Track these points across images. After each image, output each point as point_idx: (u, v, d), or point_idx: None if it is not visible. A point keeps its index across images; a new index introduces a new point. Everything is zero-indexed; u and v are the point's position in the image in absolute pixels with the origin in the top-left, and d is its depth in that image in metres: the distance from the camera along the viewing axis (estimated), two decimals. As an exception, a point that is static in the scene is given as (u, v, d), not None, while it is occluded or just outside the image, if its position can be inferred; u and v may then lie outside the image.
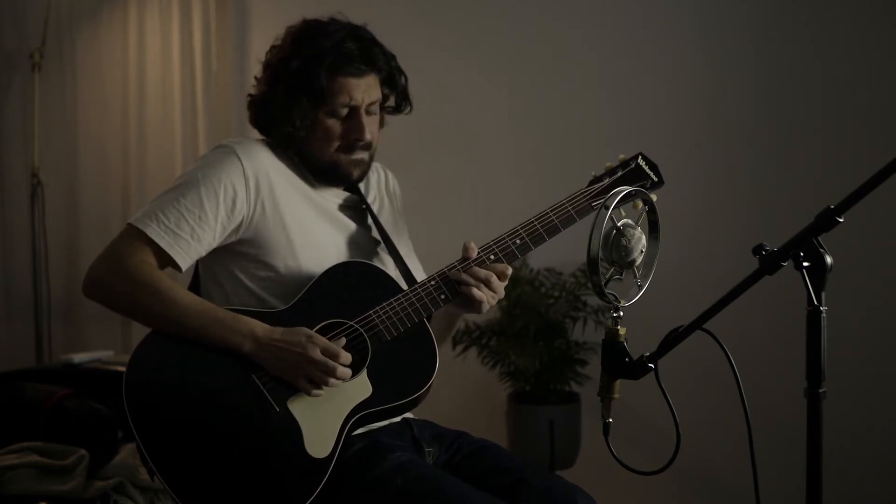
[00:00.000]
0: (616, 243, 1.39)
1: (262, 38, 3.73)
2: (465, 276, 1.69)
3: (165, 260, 1.66)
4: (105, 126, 3.97)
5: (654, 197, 1.78)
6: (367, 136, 1.76)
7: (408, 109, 1.86)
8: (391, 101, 1.84)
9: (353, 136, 1.75)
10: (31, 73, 3.84)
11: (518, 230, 1.74)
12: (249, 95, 1.84)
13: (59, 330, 3.99)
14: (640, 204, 1.76)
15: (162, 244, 1.63)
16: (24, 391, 2.76)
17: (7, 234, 4.12)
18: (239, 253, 1.72)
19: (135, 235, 1.65)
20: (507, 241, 1.74)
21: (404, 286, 1.74)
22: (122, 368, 1.62)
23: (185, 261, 1.66)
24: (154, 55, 3.87)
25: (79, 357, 3.12)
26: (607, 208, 1.35)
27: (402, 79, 1.82)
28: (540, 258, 3.21)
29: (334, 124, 1.75)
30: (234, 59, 3.80)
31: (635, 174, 1.80)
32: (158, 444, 1.58)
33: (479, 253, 1.73)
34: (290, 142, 1.77)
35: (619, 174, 1.80)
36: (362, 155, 1.78)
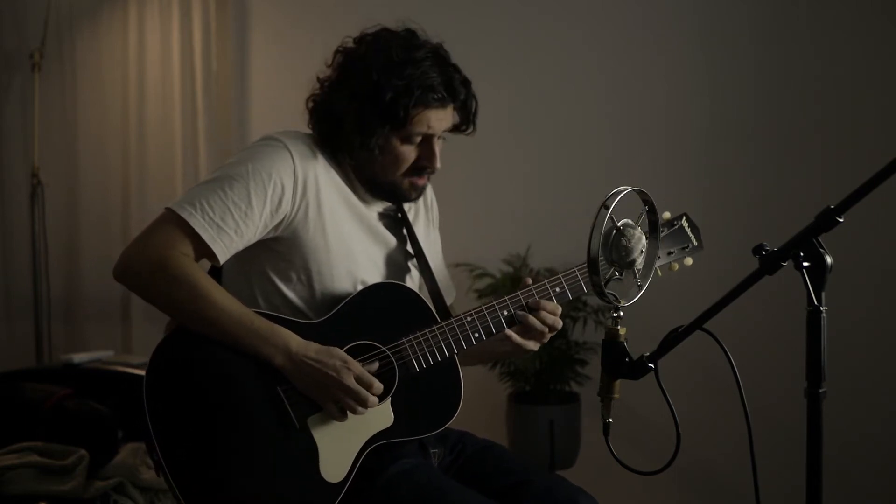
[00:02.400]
0: (616, 243, 1.38)
1: (262, 38, 3.73)
2: (530, 318, 1.67)
3: (204, 252, 1.59)
4: (105, 126, 3.96)
5: (685, 224, 1.82)
6: (438, 165, 1.73)
7: (470, 131, 1.79)
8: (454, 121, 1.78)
9: (424, 163, 1.72)
10: (31, 73, 3.83)
11: (559, 279, 1.71)
12: (312, 100, 1.74)
13: (59, 330, 3.99)
14: (676, 267, 1.80)
15: (205, 237, 1.56)
16: (24, 391, 2.76)
17: (7, 234, 4.12)
18: (273, 251, 1.67)
19: (175, 223, 1.57)
20: (546, 287, 1.71)
21: (434, 310, 1.72)
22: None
23: (225, 256, 1.60)
24: (154, 55, 3.86)
25: (79, 357, 3.11)
26: (607, 208, 1.35)
27: (474, 105, 1.76)
28: (540, 258, 3.21)
29: (407, 150, 1.69)
30: (234, 59, 3.79)
31: (677, 235, 1.81)
32: (171, 441, 1.55)
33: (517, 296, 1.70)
34: (354, 157, 1.70)
35: (665, 232, 1.79)
36: (425, 180, 1.75)
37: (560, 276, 1.72)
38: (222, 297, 1.57)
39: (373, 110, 1.65)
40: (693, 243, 1.81)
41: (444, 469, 1.74)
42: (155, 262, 1.56)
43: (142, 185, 3.88)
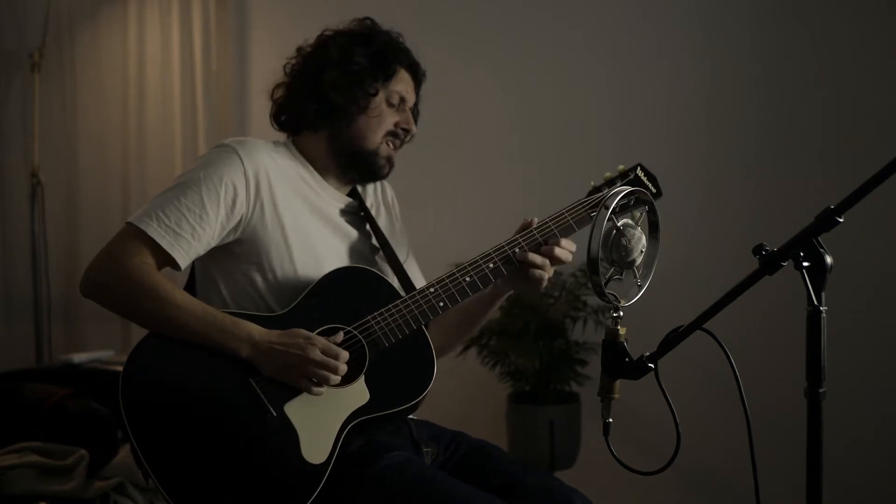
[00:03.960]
0: (616, 243, 1.39)
1: (262, 38, 3.74)
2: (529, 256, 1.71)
3: (165, 260, 1.65)
4: (105, 126, 3.97)
5: (641, 174, 1.80)
6: (415, 130, 1.84)
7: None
8: None
9: (403, 126, 1.81)
10: (31, 73, 3.84)
11: (517, 239, 1.74)
12: (288, 74, 1.83)
13: (59, 330, 3.99)
14: (639, 216, 1.77)
15: (163, 244, 1.62)
16: (24, 391, 2.76)
17: (7, 234, 4.12)
18: (236, 254, 1.71)
19: (134, 235, 1.64)
20: (505, 250, 1.73)
21: (403, 293, 1.74)
22: (122, 368, 1.62)
23: (185, 260, 1.66)
24: (154, 55, 3.87)
25: (79, 357, 3.12)
26: (607, 208, 1.35)
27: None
28: (540, 258, 3.21)
29: (389, 111, 1.80)
30: (234, 59, 3.80)
31: (634, 185, 1.77)
32: (154, 447, 1.58)
33: (479, 260, 1.72)
34: (333, 123, 1.78)
35: (619, 185, 1.77)
36: (395, 152, 1.84)
37: (518, 236, 1.74)
38: (183, 299, 1.62)
39: (362, 60, 1.76)
40: (651, 190, 1.78)
41: (438, 468, 1.74)
42: (117, 274, 1.63)
43: (142, 185, 3.89)
